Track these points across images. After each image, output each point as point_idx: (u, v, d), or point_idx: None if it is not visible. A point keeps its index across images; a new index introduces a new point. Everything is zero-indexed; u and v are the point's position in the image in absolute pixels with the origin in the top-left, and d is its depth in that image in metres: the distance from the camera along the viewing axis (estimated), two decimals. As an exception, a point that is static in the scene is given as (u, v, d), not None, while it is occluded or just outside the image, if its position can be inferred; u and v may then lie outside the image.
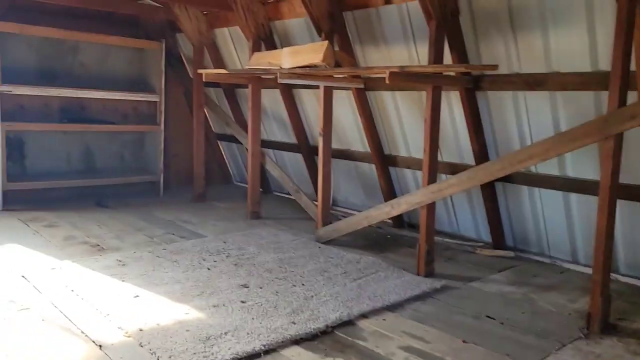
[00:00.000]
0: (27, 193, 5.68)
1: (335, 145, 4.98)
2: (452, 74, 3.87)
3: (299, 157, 6.08)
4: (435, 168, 3.83)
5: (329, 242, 4.68)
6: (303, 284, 3.65)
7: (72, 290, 3.39)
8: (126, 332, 2.84)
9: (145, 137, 6.71)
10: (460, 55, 3.87)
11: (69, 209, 5.57)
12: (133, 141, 6.69)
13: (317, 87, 4.86)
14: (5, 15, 5.30)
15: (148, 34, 6.37)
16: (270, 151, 6.44)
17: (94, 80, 6.11)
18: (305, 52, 4.19)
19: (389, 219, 4.91)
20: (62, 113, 5.99)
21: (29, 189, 5.66)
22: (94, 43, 6.03)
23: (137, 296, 3.35)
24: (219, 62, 6.26)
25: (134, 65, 6.54)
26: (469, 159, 4.33)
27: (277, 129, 6.30)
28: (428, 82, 3.66)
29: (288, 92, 5.58)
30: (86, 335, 2.80)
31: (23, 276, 3.62)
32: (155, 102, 6.44)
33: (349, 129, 5.33)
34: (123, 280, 3.61)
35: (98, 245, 4.45)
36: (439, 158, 4.23)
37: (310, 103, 5.57)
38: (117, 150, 6.57)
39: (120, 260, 4.01)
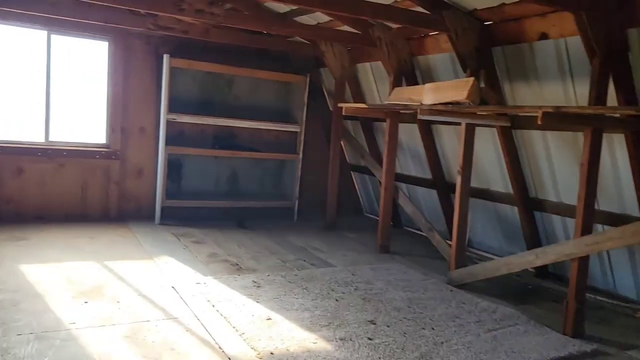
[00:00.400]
0: (180, 210, 6.29)
1: (473, 183, 4.75)
2: (617, 115, 3.49)
3: (433, 193, 5.93)
4: (590, 217, 3.45)
5: (461, 286, 4.44)
6: (433, 328, 3.49)
7: (213, 306, 3.62)
8: (259, 354, 2.95)
9: (284, 164, 7.07)
10: (628, 95, 3.47)
11: (214, 227, 6.04)
12: (273, 168, 7.09)
13: (458, 123, 4.72)
14: (176, 52, 6.02)
15: (295, 69, 6.77)
16: (403, 185, 6.37)
17: (244, 111, 6.64)
18: (448, 88, 4.11)
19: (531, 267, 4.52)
20: (215, 139, 6.58)
21: (182, 207, 6.26)
22: (247, 77, 6.57)
23: (270, 319, 3.47)
24: (358, 96, 6.42)
25: (279, 98, 6.98)
26: (632, 209, 3.84)
27: (412, 164, 6.23)
28: (587, 124, 3.34)
29: (426, 127, 5.50)
30: (223, 351, 2.96)
31: (173, 287, 3.97)
32: (296, 132, 6.79)
33: (489, 167, 5.07)
34: (257, 302, 3.77)
35: (237, 264, 4.73)
36: (596, 206, 3.80)
37: (449, 138, 5.42)
38: (259, 176, 7.01)
39: (255, 282, 4.22)
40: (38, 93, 5.65)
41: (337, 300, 3.93)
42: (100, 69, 5.97)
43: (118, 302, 3.60)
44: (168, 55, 5.82)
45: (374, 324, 3.50)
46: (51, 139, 5.77)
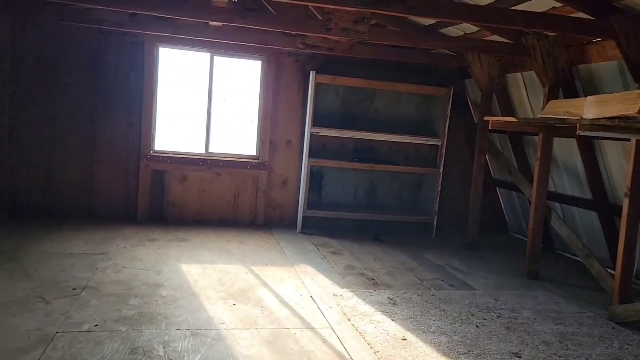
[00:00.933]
0: (320, 220, 6.51)
1: (643, 208, 4.15)
2: None
3: (593, 215, 5.32)
4: None
5: (626, 324, 3.90)
6: (590, 371, 3.11)
7: (349, 320, 3.66)
8: (393, 376, 2.90)
9: (424, 178, 6.93)
10: None
11: (351, 239, 6.14)
12: (413, 182, 6.99)
13: (625, 139, 4.18)
14: (321, 69, 6.27)
15: (437, 81, 6.62)
16: (557, 205, 5.83)
17: (384, 124, 6.67)
18: (615, 101, 3.65)
19: None
20: (355, 152, 6.70)
21: (322, 217, 6.47)
22: (388, 90, 6.59)
23: (405, 339, 3.40)
24: (507, 108, 6.04)
25: (420, 111, 6.87)
26: None
27: (568, 182, 5.66)
28: None
29: (587, 143, 4.96)
30: (357, 368, 2.97)
31: (311, 297, 4.11)
32: (437, 145, 6.61)
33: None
34: (393, 320, 3.73)
35: (373, 279, 4.73)
36: None
37: (614, 156, 4.83)
38: (397, 190, 6.96)
39: (391, 299, 4.17)
40: (201, 109, 6.30)
41: (477, 326, 3.71)
42: (253, 86, 6.46)
43: (262, 307, 3.82)
44: (314, 72, 6.09)
45: (519, 357, 3.24)
46: (210, 150, 6.38)
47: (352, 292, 4.28)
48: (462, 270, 5.24)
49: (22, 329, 3.13)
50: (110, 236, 5.38)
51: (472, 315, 3.93)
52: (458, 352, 3.26)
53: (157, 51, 6.06)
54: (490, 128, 5.40)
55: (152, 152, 6.16)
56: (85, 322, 3.30)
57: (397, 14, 3.72)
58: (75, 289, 3.83)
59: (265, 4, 5.23)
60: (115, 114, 6.02)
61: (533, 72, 5.19)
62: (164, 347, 3.03)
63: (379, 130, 6.47)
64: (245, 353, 3.05)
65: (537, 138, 5.16)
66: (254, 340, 3.24)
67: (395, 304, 4.06)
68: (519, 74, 5.68)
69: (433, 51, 6.13)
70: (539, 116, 4.64)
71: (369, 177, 6.86)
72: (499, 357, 3.21)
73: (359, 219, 6.58)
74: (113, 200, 6.12)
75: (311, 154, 6.30)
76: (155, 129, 6.18)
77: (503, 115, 5.97)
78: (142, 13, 4.72)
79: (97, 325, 3.25)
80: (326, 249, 5.65)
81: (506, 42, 5.12)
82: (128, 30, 5.31)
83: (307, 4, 3.92)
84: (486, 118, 5.36)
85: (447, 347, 3.32)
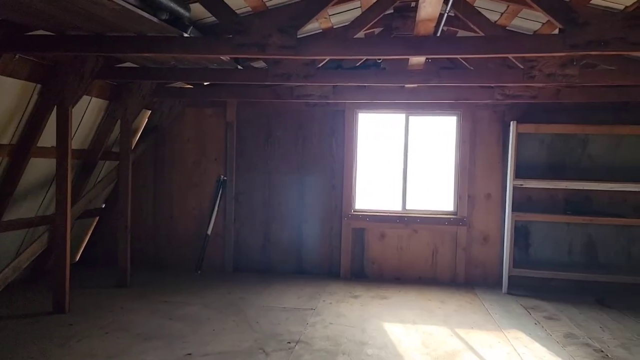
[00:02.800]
0: (529, 280, 5.95)
1: None
2: None
3: None
4: None
5: None
6: None
7: (577, 400, 3.19)
8: None
9: (659, 232, 5.88)
10: None
11: (567, 302, 5.45)
12: (643, 237, 5.98)
13: None
14: (522, 117, 5.93)
15: (668, 119, 5.69)
16: None
17: (600, 172, 5.92)
18: None
19: None
20: (566, 204, 6.05)
21: (531, 276, 5.91)
22: (604, 134, 5.88)
23: None
24: None
25: (647, 154, 5.94)
26: None
27: None
28: None
29: None
30: None
31: (527, 368, 3.71)
32: (674, 193, 5.58)
33: None
34: (635, 405, 3.13)
35: (602, 351, 4.08)
36: None
37: None
38: (624, 245, 6.01)
39: (629, 378, 3.53)
40: (397, 167, 6.46)
41: None
42: (448, 141, 6.41)
43: (471, 374, 3.59)
44: (515, 122, 5.78)
45: None
46: (407, 207, 6.44)
47: (577, 366, 3.75)
48: None
49: (249, 377, 3.46)
50: (317, 291, 5.71)
51: None
52: None
53: (356, 117, 6.48)
54: None
55: (352, 211, 6.47)
56: (300, 374, 3.50)
57: (616, 53, 3.36)
58: (289, 342, 4.13)
59: (462, 60, 5.23)
60: (320, 178, 6.54)
61: None
62: (374, 409, 3.03)
63: (595, 179, 5.77)
64: None
65: None
66: (467, 412, 3.03)
67: (635, 386, 3.41)
68: None
69: (659, 86, 5.31)
70: None
71: (586, 232, 6.08)
72: None
73: (576, 279, 5.83)
74: (318, 256, 6.54)
75: (514, 208, 5.88)
76: (355, 189, 6.51)
77: None
78: (344, 84, 5.13)
79: (311, 379, 3.42)
80: (538, 313, 5.10)
81: None
82: (330, 101, 5.82)
83: (506, 55, 3.80)
84: None
85: None
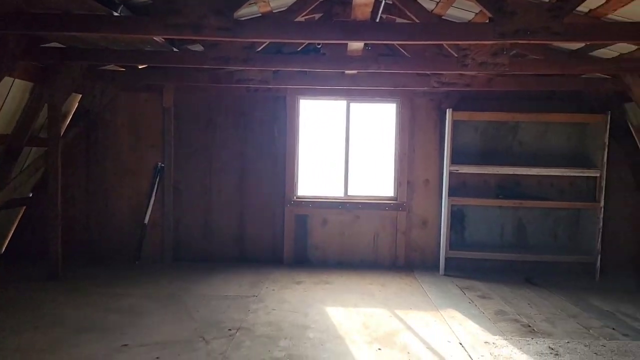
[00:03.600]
0: (464, 261, 6.20)
1: None
2: None
3: None
4: None
5: None
6: None
7: (505, 372, 3.37)
8: None
9: (581, 214, 6.28)
10: None
11: (499, 282, 5.73)
12: (568, 218, 6.36)
13: None
14: (457, 105, 6.13)
15: (590, 108, 6.05)
16: None
17: (529, 158, 6.23)
18: None
19: None
20: (498, 189, 6.33)
21: (466, 258, 6.16)
22: (533, 122, 6.18)
23: (574, 398, 3.02)
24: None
25: (572, 140, 6.30)
26: None
27: None
28: None
29: None
30: None
31: (461, 344, 3.88)
32: (595, 177, 5.97)
33: None
34: (557, 374, 3.35)
35: (529, 326, 4.33)
36: None
37: None
38: (550, 227, 6.39)
39: (552, 349, 3.77)
40: (338, 154, 6.51)
41: (665, 387, 3.17)
42: (388, 128, 6.52)
43: (408, 352, 3.70)
44: (451, 109, 5.97)
45: None
46: (349, 193, 6.52)
47: (506, 339, 3.96)
48: (637, 318, 4.56)
49: (188, 365, 3.41)
50: (260, 279, 5.69)
51: (657, 373, 3.37)
52: (643, 416, 2.79)
53: (298, 103, 6.46)
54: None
55: (295, 197, 6.48)
56: (241, 361, 3.49)
57: (541, 42, 3.52)
58: (230, 330, 4.10)
59: (398, 46, 5.32)
60: (262, 164, 6.48)
61: None
62: (313, 390, 3.07)
63: (524, 164, 6.06)
64: (395, 402, 2.96)
65: None
66: (403, 388, 3.13)
67: (557, 354, 3.65)
68: (693, 91, 4.95)
69: (583, 76, 5.64)
70: None
71: (516, 215, 6.40)
72: None
73: (507, 259, 6.14)
74: (261, 243, 6.51)
75: (451, 193, 6.10)
76: (297, 175, 6.51)
77: (676, 139, 5.22)
78: (284, 69, 5.10)
79: (251, 365, 3.42)
80: (472, 292, 5.33)
81: (673, 57, 4.52)
82: (271, 86, 5.76)
83: (440, 42, 3.90)
84: (654, 144, 4.73)
85: (628, 410, 2.87)
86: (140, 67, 5.58)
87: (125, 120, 6.41)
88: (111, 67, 5.54)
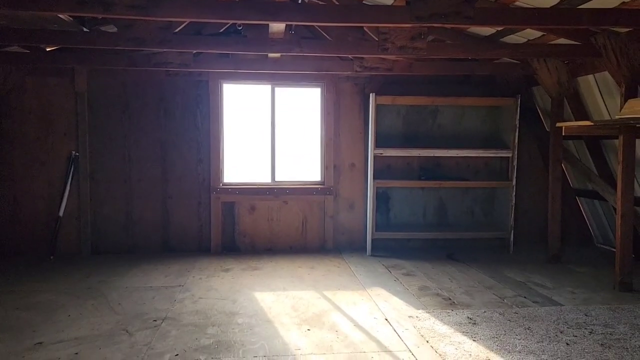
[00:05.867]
0: (390, 242, 6.40)
1: None
2: None
3: (689, 220, 4.86)
4: None
5: None
6: None
7: (427, 341, 3.52)
8: (479, 400, 2.73)
9: (496, 192, 6.67)
10: None
11: (423, 259, 5.97)
12: (484, 197, 6.73)
13: None
14: (381, 90, 6.27)
15: (502, 91, 6.41)
16: (646, 211, 5.39)
17: (449, 140, 6.51)
18: None
19: None
20: (420, 171, 6.58)
21: (391, 239, 6.36)
22: (451, 105, 6.45)
23: (489, 361, 3.22)
24: (580, 113, 5.72)
25: (486, 123, 6.65)
26: None
27: (657, 186, 5.23)
28: None
29: (674, 141, 4.58)
30: (440, 392, 2.83)
31: (386, 319, 4.00)
32: (507, 157, 6.35)
33: None
34: (474, 340, 3.55)
35: (450, 299, 4.55)
36: None
37: None
38: (468, 206, 6.73)
39: (471, 318, 3.98)
40: (265, 139, 6.46)
41: (568, 344, 3.45)
42: (313, 113, 6.55)
43: (336, 331, 3.77)
44: (374, 93, 6.09)
45: (620, 378, 2.96)
46: (277, 179, 6.50)
47: (429, 312, 4.13)
48: (546, 286, 4.92)
49: None
50: (187, 268, 5.55)
51: (561, 332, 3.66)
52: (549, 373, 3.03)
53: (221, 88, 6.32)
54: (564, 134, 5.14)
55: (221, 184, 6.36)
56: (166, 352, 3.39)
57: (455, 26, 3.66)
58: (155, 320, 3.97)
59: (321, 30, 5.33)
60: (185, 151, 6.29)
61: (606, 72, 4.90)
62: (242, 374, 3.04)
63: (444, 146, 6.33)
64: (323, 378, 3.00)
65: (616, 141, 4.83)
66: (331, 365, 3.19)
67: (475, 324, 3.86)
68: (590, 76, 5.38)
69: (495, 61, 5.96)
70: (617, 117, 4.35)
71: (437, 195, 6.69)
72: (596, 378, 2.96)
73: (429, 238, 6.41)
74: (187, 233, 6.34)
75: (376, 176, 6.25)
76: (223, 162, 6.39)
77: (576, 120, 5.66)
78: (205, 51, 4.95)
79: (177, 355, 3.33)
80: (398, 271, 5.52)
81: (573, 44, 4.88)
82: (192, 70, 5.58)
83: (359, 24, 3.95)
84: (559, 124, 5.10)
85: (537, 368, 3.10)
86: (48, 49, 5.20)
87: (34, 106, 5.97)
88: (15, 48, 5.11)
